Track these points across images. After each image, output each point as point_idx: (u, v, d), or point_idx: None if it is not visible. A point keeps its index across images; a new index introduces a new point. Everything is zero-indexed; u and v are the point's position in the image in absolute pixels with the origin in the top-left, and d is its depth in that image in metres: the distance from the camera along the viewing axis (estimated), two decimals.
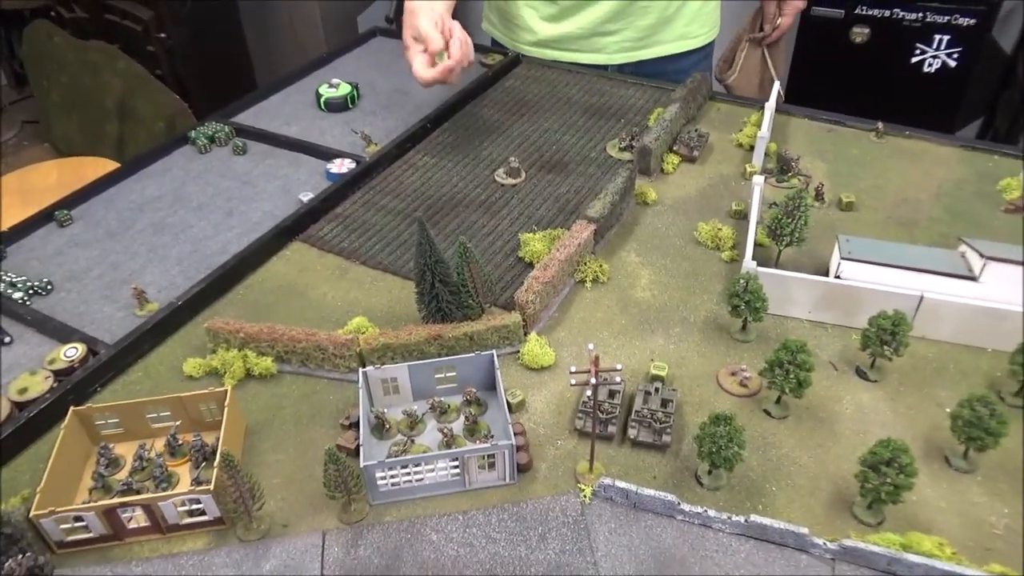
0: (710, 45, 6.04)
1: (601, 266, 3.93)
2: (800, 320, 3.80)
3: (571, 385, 2.77)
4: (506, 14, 5.85)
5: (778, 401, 3.30)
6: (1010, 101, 9.64)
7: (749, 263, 3.70)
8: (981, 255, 3.57)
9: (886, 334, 3.33)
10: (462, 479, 2.90)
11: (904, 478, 2.78)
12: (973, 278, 3.59)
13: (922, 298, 3.59)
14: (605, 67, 5.82)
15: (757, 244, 4.03)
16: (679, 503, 2.87)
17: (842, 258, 3.73)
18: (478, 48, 6.06)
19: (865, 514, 2.95)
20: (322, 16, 10.37)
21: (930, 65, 9.43)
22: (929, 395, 3.40)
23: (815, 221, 4.33)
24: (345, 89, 5.40)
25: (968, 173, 4.85)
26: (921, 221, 4.37)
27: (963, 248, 3.69)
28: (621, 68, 5.85)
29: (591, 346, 2.76)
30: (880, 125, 5.17)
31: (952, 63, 9.45)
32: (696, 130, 5.05)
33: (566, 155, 4.92)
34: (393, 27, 6.78)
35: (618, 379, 2.76)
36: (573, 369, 2.74)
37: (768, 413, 3.30)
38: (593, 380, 2.67)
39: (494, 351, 3.21)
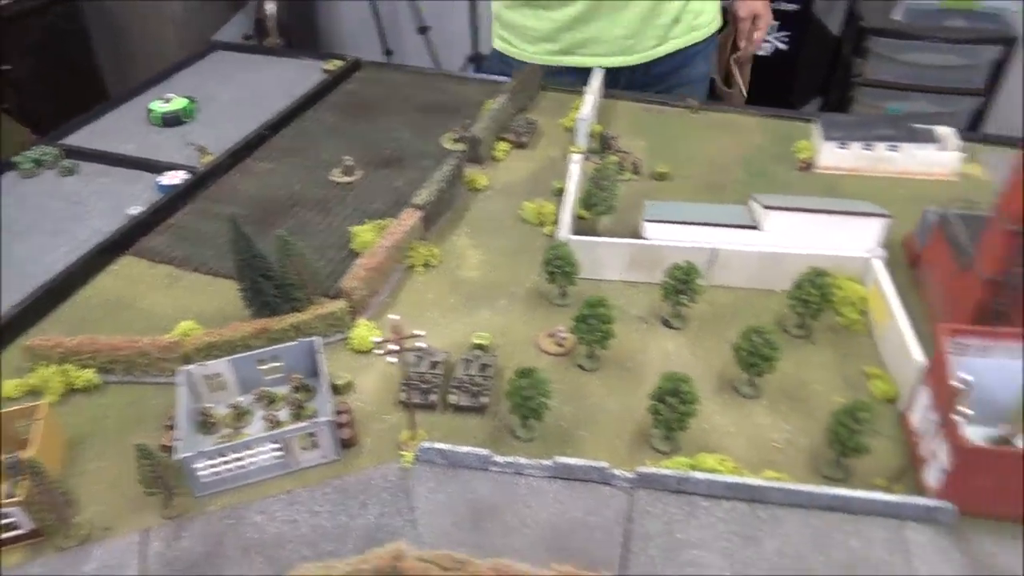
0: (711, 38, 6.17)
1: (432, 251, 4.12)
2: (613, 281, 4.10)
3: (376, 354, 2.93)
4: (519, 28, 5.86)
5: (590, 356, 3.56)
6: (839, 79, 10.47)
7: (563, 233, 3.97)
8: (763, 206, 3.96)
9: (680, 284, 3.65)
10: (286, 461, 3.02)
11: (687, 406, 3.07)
12: (757, 227, 3.97)
13: (715, 250, 3.95)
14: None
15: (579, 217, 4.32)
16: (492, 456, 3.07)
17: (644, 220, 4.06)
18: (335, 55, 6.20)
19: (661, 443, 3.24)
20: (176, 36, 10.23)
21: (763, 49, 10.12)
22: (724, 336, 3.75)
23: (634, 192, 4.67)
24: (180, 103, 5.43)
25: (768, 139, 5.32)
26: (728, 184, 4.76)
27: (751, 202, 4.08)
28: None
29: (396, 317, 2.94)
30: (694, 101, 5.58)
31: (783, 46, 10.17)
32: (525, 118, 5.32)
33: (402, 151, 5.10)
34: (253, 43, 6.81)
35: (423, 345, 2.96)
36: (378, 340, 2.92)
37: (581, 367, 3.56)
38: (395, 347, 2.85)
39: (317, 338, 3.33)
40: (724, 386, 3.59)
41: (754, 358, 3.31)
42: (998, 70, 9.31)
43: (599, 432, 3.32)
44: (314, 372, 3.34)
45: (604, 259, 4.07)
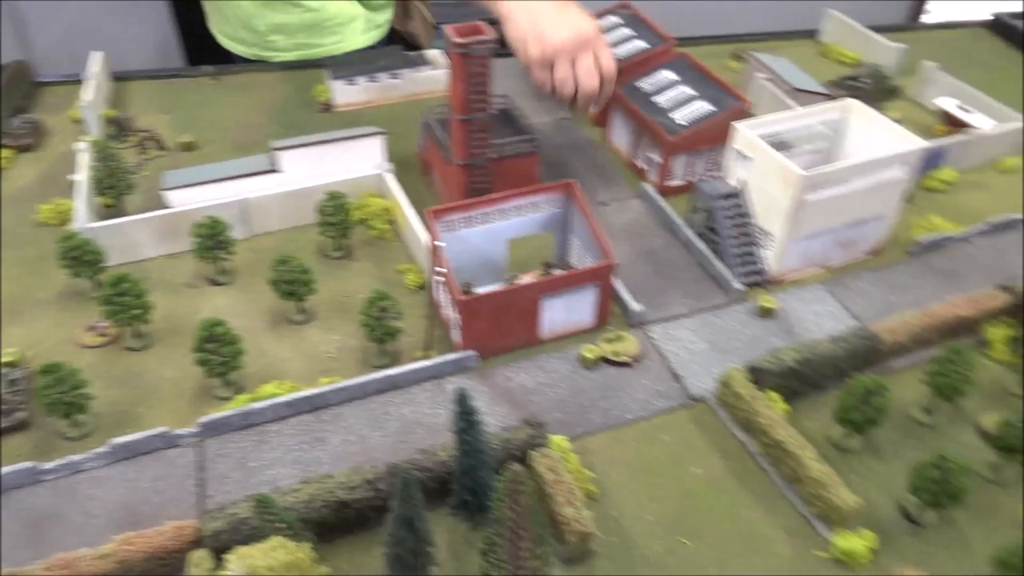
0: None
1: None
2: (154, 258, 3.99)
3: None
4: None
5: (137, 335, 3.45)
6: None
7: (78, 224, 3.74)
8: (275, 149, 4.12)
9: (210, 240, 3.68)
10: None
11: (230, 346, 3.16)
12: (276, 170, 4.13)
13: (244, 200, 4.03)
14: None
15: (107, 205, 4.09)
16: (39, 466, 2.86)
17: (163, 190, 3.99)
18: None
19: (223, 390, 3.30)
20: None
21: None
22: (270, 277, 3.89)
23: (164, 167, 4.54)
24: None
25: (291, 90, 5.51)
26: (259, 140, 4.84)
27: (273, 149, 4.22)
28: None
29: None
30: (209, 68, 5.53)
31: None
32: (23, 119, 4.82)
33: None
34: None
35: None
36: None
37: (131, 348, 3.44)
38: None
39: None
40: (278, 320, 3.79)
41: (292, 286, 3.53)
42: None
43: (160, 403, 3.31)
44: None
45: (135, 238, 3.96)
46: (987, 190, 4.65)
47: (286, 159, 4.15)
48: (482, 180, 3.94)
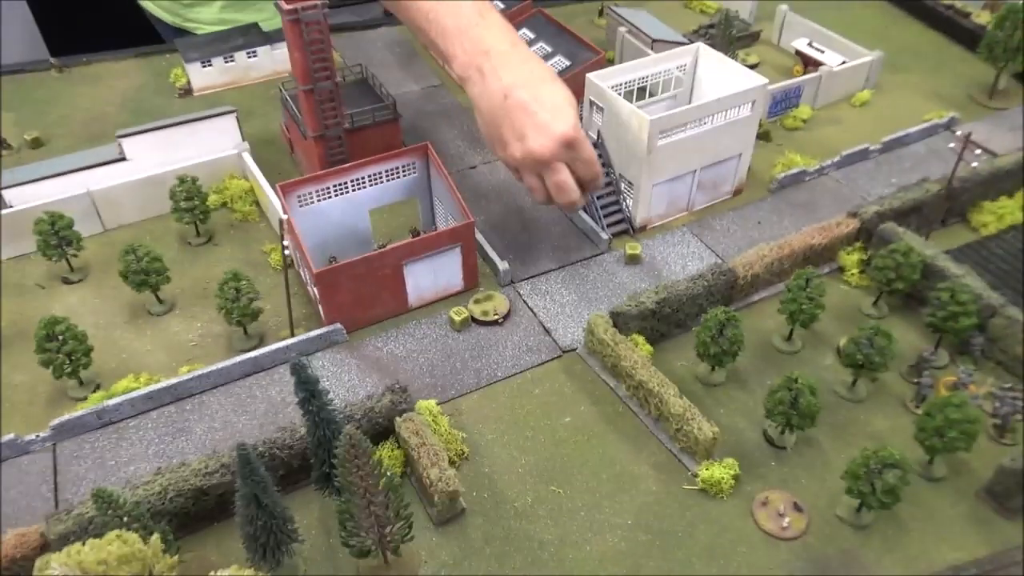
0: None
1: None
2: (4, 262, 3.76)
3: None
4: None
5: None
6: None
7: None
8: (119, 136, 3.90)
9: (53, 237, 3.47)
10: None
11: (73, 343, 2.98)
12: (123, 159, 3.92)
13: (90, 193, 3.81)
14: None
15: None
16: None
17: (1, 189, 3.73)
18: None
19: (77, 391, 3.13)
20: None
21: None
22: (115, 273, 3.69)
23: (11, 166, 4.26)
24: None
25: (147, 77, 5.23)
26: (111, 131, 4.57)
27: (118, 137, 3.99)
28: None
29: None
30: (54, 60, 5.20)
31: None
32: None
33: None
34: None
35: None
36: None
37: None
38: None
39: None
40: (137, 312, 3.62)
41: (142, 276, 3.37)
42: None
43: (12, 410, 3.17)
44: None
45: None
46: (841, 124, 4.81)
47: (131, 146, 3.95)
48: (338, 151, 3.84)
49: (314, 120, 3.77)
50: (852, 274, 3.73)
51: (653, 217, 4.04)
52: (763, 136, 4.60)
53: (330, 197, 3.61)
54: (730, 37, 4.45)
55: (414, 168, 3.75)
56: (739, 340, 3.07)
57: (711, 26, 5.31)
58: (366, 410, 2.87)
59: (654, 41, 5.01)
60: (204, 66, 4.99)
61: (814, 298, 3.21)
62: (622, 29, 5.21)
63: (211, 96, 5.11)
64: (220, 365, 3.24)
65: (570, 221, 4.06)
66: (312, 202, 3.58)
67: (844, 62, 4.99)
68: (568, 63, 4.37)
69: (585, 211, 3.96)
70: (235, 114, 4.11)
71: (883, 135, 4.52)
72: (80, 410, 3.04)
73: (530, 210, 4.24)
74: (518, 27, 4.73)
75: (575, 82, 4.17)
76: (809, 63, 5.16)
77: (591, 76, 3.86)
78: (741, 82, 3.92)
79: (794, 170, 4.31)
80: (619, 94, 3.92)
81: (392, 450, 2.91)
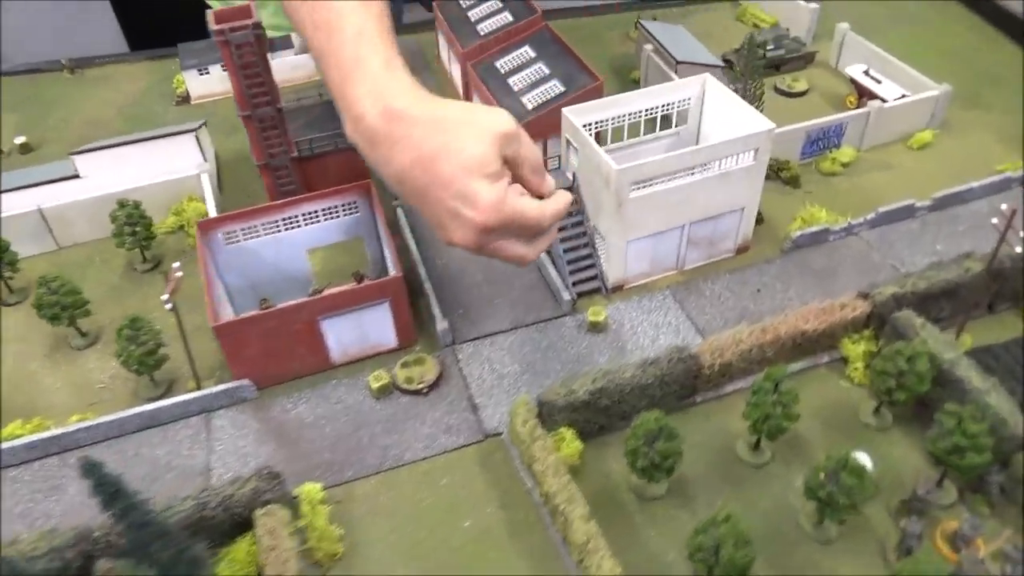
0: None
1: None
2: None
3: None
4: None
5: None
6: None
7: None
8: (72, 153, 3.72)
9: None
10: None
11: None
12: (77, 176, 3.74)
13: (41, 210, 3.65)
14: None
15: None
16: None
17: None
18: None
19: None
20: None
21: None
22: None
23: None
24: None
25: (154, 81, 5.10)
26: (104, 137, 4.43)
27: (71, 154, 3.83)
28: None
29: None
30: (66, 61, 5.15)
31: None
32: None
33: None
34: None
35: None
36: None
37: None
38: None
39: None
40: (59, 344, 3.42)
41: (55, 309, 3.15)
42: None
43: None
44: None
45: None
46: (891, 171, 4.03)
47: (85, 164, 3.73)
48: (287, 182, 3.47)
49: (257, 149, 3.41)
50: (856, 369, 3.04)
51: (632, 276, 3.46)
52: (791, 181, 3.91)
53: (259, 236, 3.25)
54: (753, 66, 3.76)
55: (356, 207, 3.33)
56: (674, 454, 2.49)
57: (760, 45, 4.60)
58: (224, 498, 2.49)
59: (678, 63, 4.38)
60: (201, 73, 4.75)
61: (785, 405, 2.57)
62: (648, 47, 4.60)
63: (208, 105, 4.89)
64: (111, 417, 2.96)
65: (539, 272, 3.53)
66: (239, 240, 3.23)
67: (903, 96, 4.18)
68: (563, 89, 3.83)
69: (554, 264, 3.43)
70: (195, 133, 3.81)
71: (939, 188, 3.72)
72: None
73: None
74: (521, 43, 4.21)
75: None
76: (864, 94, 4.38)
77: (567, 111, 3.32)
78: (745, 124, 3.27)
79: (815, 228, 3.62)
80: (607, 130, 3.36)
81: (252, 545, 2.51)
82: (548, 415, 2.77)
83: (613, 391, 2.77)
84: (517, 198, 2.03)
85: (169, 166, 3.85)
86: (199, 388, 3.07)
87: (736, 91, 3.48)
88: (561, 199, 2.13)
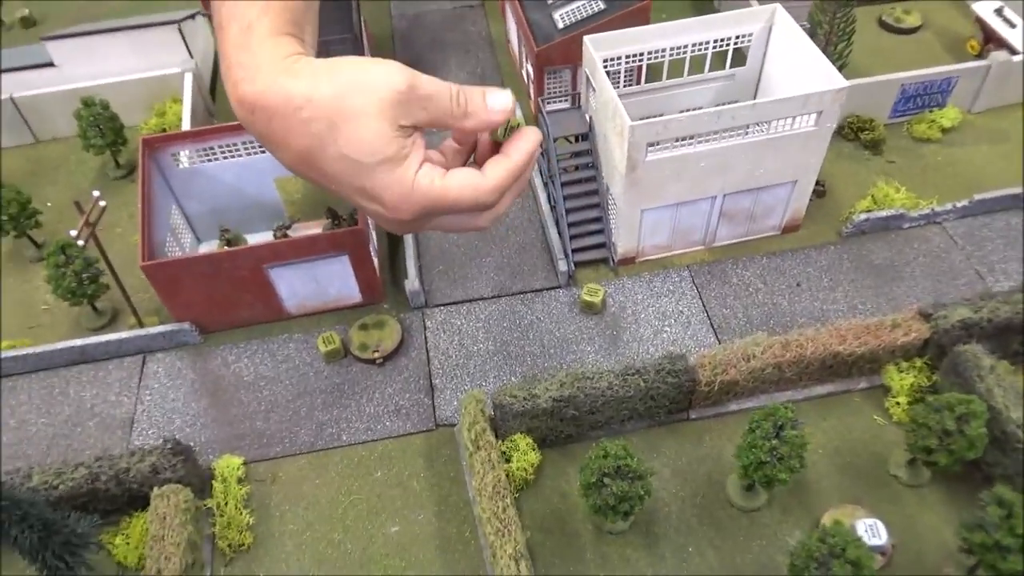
0: None
1: None
2: None
3: None
4: None
5: None
6: None
7: None
8: (44, 39, 3.34)
9: None
10: None
11: None
12: (51, 64, 3.38)
13: (13, 98, 3.34)
14: None
15: None
16: None
17: None
18: None
19: None
20: None
21: None
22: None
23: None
24: None
25: None
26: (103, 15, 4.06)
27: (42, 39, 3.48)
28: None
29: None
30: None
31: None
32: None
33: None
34: None
35: None
36: None
37: None
38: None
39: None
40: (14, 255, 3.15)
41: (11, 223, 2.86)
42: None
43: None
44: None
45: None
46: (1004, 145, 3.22)
47: (59, 51, 3.33)
48: None
49: None
50: (897, 403, 2.44)
51: (646, 248, 2.87)
52: (872, 145, 3.18)
53: (215, 159, 2.81)
54: None
55: None
56: (635, 497, 2.01)
57: None
58: (118, 471, 2.18)
59: None
60: None
61: (786, 457, 2.04)
62: None
63: None
64: (40, 349, 2.68)
65: (541, 231, 2.99)
66: (193, 163, 2.79)
67: None
68: (602, 7, 3.15)
69: (556, 224, 2.88)
70: (178, 25, 3.32)
71: None
72: None
73: None
74: None
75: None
76: (991, 39, 3.48)
77: (588, 40, 2.69)
78: (812, 76, 2.56)
79: (886, 211, 2.91)
80: (642, 67, 2.71)
81: (146, 525, 2.21)
82: (502, 419, 2.29)
83: (582, 401, 2.27)
84: (433, 183, 1.42)
85: (152, 60, 3.38)
86: (141, 326, 2.72)
87: (821, 23, 2.70)
88: (517, 154, 1.47)
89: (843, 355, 2.52)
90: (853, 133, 3.15)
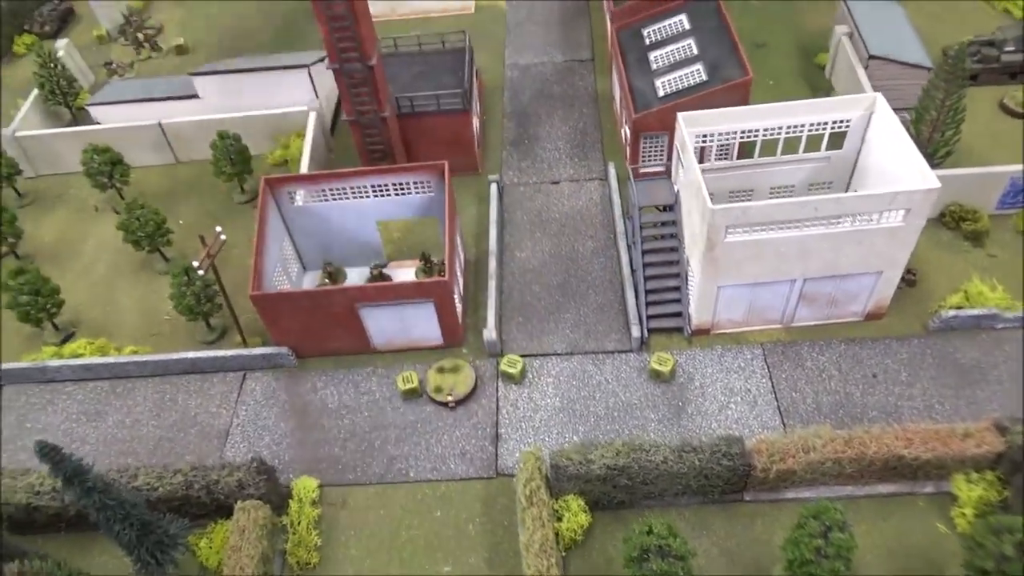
0: None
1: None
2: (75, 173, 3.94)
3: None
4: None
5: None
6: None
7: (8, 130, 3.74)
8: (191, 74, 3.77)
9: (104, 166, 3.52)
10: None
11: (45, 298, 3.00)
12: (196, 96, 3.81)
13: (161, 124, 3.79)
14: None
15: (79, 109, 4.07)
16: None
17: (88, 105, 3.85)
18: None
19: (53, 335, 3.20)
20: None
21: None
22: (172, 212, 3.65)
23: (153, 70, 4.43)
24: None
25: None
26: (249, 48, 4.53)
27: (190, 74, 3.90)
28: None
29: None
30: None
31: None
32: (53, 5, 4.89)
33: None
34: None
35: None
36: None
37: None
38: None
39: None
40: (145, 265, 3.56)
41: (137, 235, 3.25)
42: None
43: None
44: None
45: (58, 151, 3.88)
46: None
47: (204, 85, 3.75)
48: (376, 141, 3.28)
49: (347, 104, 3.21)
50: (963, 514, 2.41)
51: (721, 322, 2.94)
52: (973, 237, 3.12)
53: (326, 199, 3.11)
54: (959, 71, 2.92)
55: (429, 186, 3.07)
56: None
57: (990, 43, 3.64)
58: (209, 482, 2.46)
59: (871, 58, 3.57)
60: None
61: (829, 557, 2.09)
62: (841, 29, 3.79)
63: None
64: (158, 357, 3.04)
65: (620, 293, 3.12)
66: (306, 202, 3.10)
67: None
68: (704, 79, 3.26)
69: (635, 290, 3.00)
70: (308, 69, 3.68)
71: None
72: (28, 361, 3.02)
73: (584, 260, 3.35)
74: (678, 9, 3.62)
75: (705, 104, 3.08)
76: None
77: (681, 117, 2.80)
78: (905, 172, 2.57)
79: (978, 310, 2.85)
80: (734, 143, 2.80)
81: (227, 534, 2.49)
82: (556, 479, 2.42)
83: (636, 472, 2.36)
84: None
85: (281, 99, 3.73)
86: (245, 345, 3.02)
87: (928, 109, 2.69)
88: None
89: (907, 459, 2.48)
90: (954, 222, 3.08)
